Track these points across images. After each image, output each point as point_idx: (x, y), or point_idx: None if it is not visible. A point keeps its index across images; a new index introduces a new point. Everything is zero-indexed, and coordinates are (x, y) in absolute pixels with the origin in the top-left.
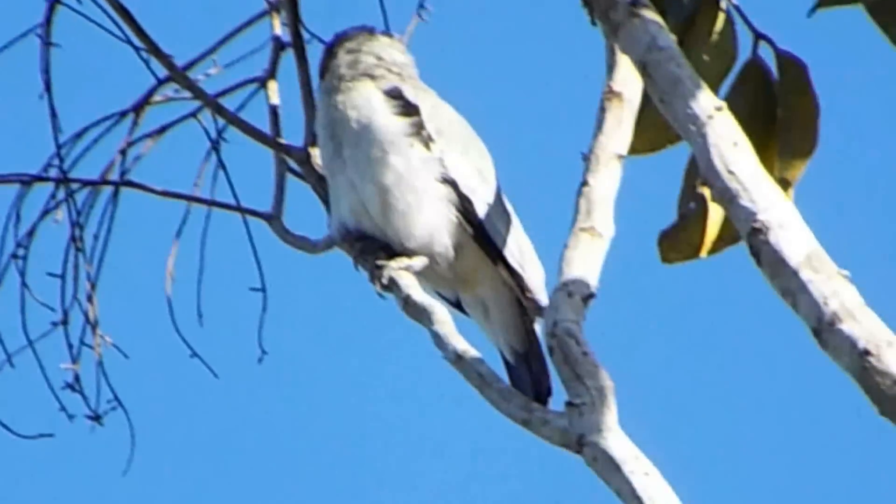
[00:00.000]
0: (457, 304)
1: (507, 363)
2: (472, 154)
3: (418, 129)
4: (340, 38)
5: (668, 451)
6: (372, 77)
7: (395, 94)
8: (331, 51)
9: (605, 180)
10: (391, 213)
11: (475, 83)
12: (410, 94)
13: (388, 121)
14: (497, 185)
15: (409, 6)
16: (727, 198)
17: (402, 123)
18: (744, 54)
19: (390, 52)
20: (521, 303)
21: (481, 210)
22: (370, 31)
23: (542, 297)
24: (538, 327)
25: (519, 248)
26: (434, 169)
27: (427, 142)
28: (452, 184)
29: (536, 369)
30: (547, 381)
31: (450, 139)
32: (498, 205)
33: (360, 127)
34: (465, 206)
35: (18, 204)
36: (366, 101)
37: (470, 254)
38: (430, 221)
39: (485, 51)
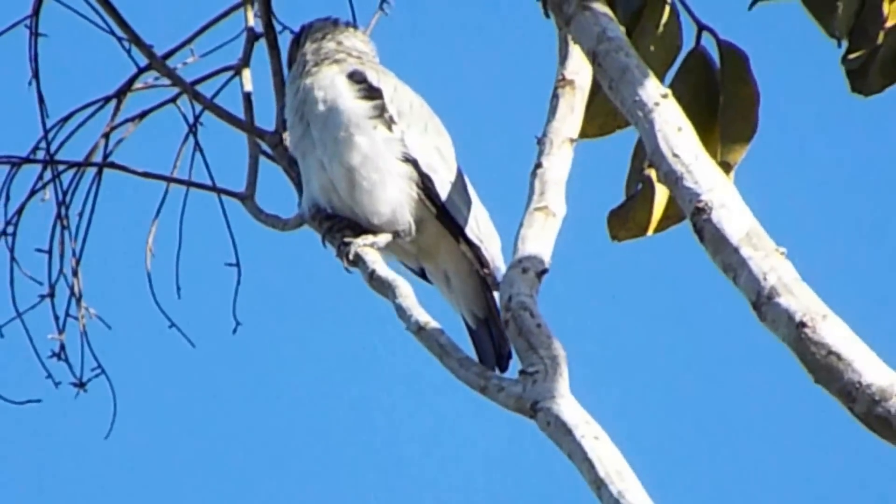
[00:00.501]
0: (421, 274)
1: (469, 328)
2: (431, 134)
3: (381, 111)
4: (306, 29)
5: (616, 416)
6: (335, 62)
7: (358, 78)
8: (297, 41)
9: (558, 163)
10: (357, 192)
11: (436, 73)
12: (373, 77)
13: (352, 103)
14: (456, 163)
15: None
16: (672, 179)
17: (366, 106)
18: (688, 44)
19: (352, 41)
20: (480, 273)
21: (441, 187)
22: (334, 22)
23: (500, 267)
24: (497, 295)
25: (477, 223)
26: (396, 149)
27: (389, 123)
28: (413, 163)
29: (497, 334)
30: (507, 345)
31: (410, 120)
32: (457, 182)
33: (326, 109)
34: (425, 183)
35: (7, 184)
36: (331, 84)
37: (431, 229)
38: (393, 198)
39: (444, 42)
